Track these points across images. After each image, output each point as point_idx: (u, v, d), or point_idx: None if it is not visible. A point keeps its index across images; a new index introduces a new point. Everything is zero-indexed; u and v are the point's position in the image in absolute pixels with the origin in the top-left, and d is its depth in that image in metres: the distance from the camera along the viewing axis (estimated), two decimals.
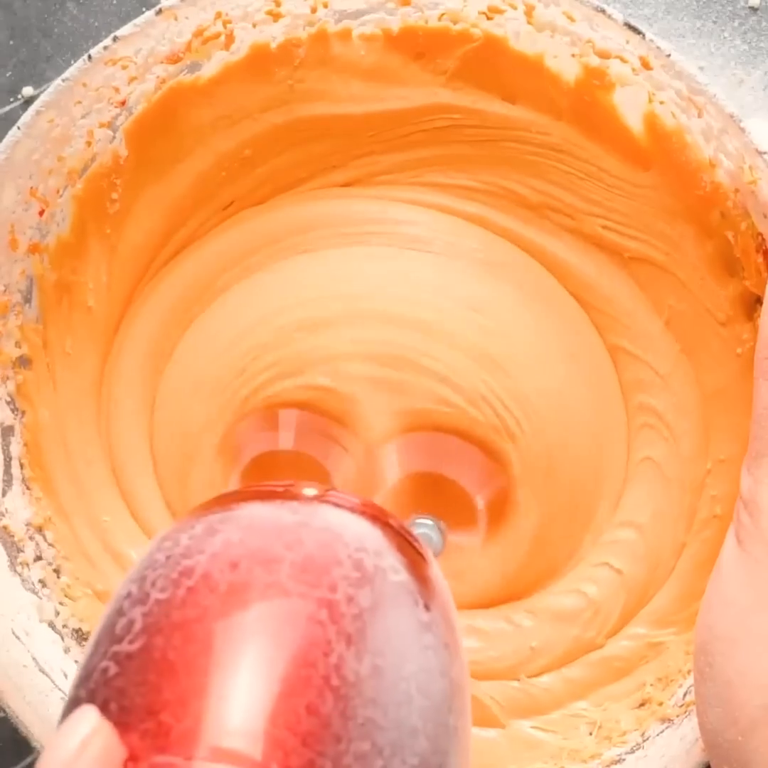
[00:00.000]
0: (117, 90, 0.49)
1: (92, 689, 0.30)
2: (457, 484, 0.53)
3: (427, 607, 0.34)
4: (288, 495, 0.36)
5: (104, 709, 0.29)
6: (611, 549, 0.55)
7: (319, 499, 0.36)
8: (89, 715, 0.29)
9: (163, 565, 0.32)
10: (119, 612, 0.32)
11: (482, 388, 0.52)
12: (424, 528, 0.50)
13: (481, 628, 0.55)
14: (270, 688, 0.29)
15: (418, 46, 0.51)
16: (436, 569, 0.37)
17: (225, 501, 0.36)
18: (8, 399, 0.52)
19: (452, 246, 0.54)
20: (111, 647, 0.31)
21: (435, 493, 0.53)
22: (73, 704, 0.31)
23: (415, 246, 0.54)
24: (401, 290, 0.53)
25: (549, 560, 0.55)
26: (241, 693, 0.29)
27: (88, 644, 0.32)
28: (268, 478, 0.54)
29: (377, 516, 0.36)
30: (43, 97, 0.47)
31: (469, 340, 0.52)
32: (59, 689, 0.49)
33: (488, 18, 0.49)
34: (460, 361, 0.52)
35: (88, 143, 0.50)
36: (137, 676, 0.30)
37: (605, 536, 0.55)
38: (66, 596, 0.53)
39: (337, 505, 0.36)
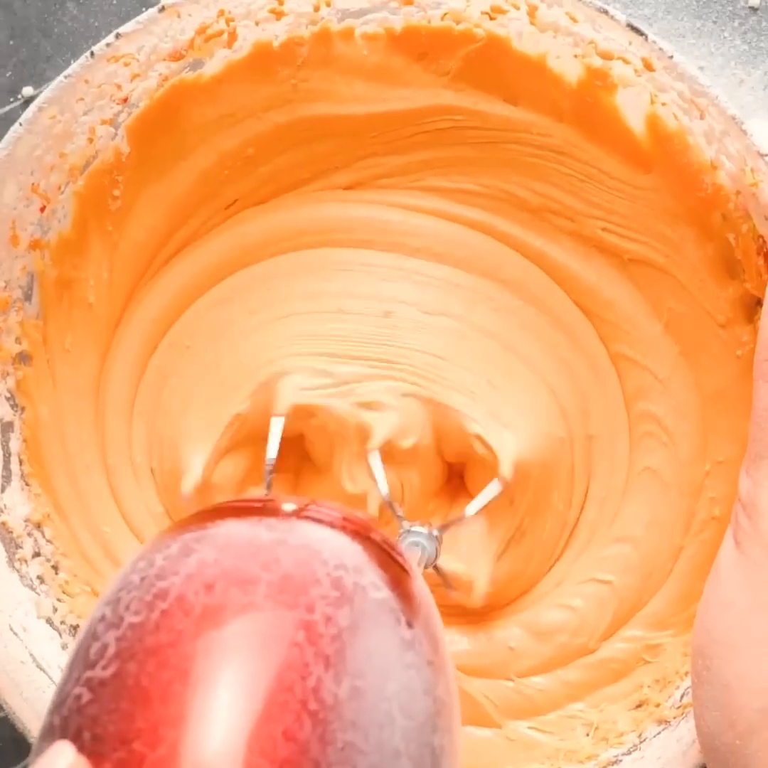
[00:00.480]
0: (119, 87, 0.49)
1: (65, 716, 0.30)
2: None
3: (409, 625, 0.33)
4: (265, 511, 0.35)
5: (77, 737, 0.29)
6: (601, 565, 0.55)
7: (297, 514, 0.35)
8: (66, 753, 0.28)
9: (137, 587, 0.32)
10: (93, 636, 0.31)
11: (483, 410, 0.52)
12: (417, 536, 0.49)
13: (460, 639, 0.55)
14: (246, 715, 0.28)
15: (421, 46, 0.51)
16: (420, 583, 0.36)
17: (201, 518, 0.35)
18: (8, 395, 0.52)
19: (460, 260, 0.55)
20: (84, 672, 0.30)
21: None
22: (47, 733, 0.30)
23: (420, 256, 0.55)
24: (407, 305, 0.54)
25: (528, 564, 0.55)
26: (216, 720, 0.28)
27: (64, 668, 0.32)
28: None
29: (358, 531, 0.35)
30: (45, 94, 0.47)
31: (474, 366, 0.53)
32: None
33: (491, 18, 0.49)
34: (464, 382, 0.53)
35: (90, 140, 0.50)
36: (110, 704, 0.29)
37: (596, 553, 0.55)
38: (64, 593, 0.53)
39: (316, 520, 0.35)
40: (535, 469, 0.52)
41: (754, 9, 0.60)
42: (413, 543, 0.48)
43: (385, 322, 0.53)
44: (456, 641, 0.55)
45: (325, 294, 0.54)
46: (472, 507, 0.51)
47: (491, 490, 0.51)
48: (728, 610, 0.41)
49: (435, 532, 0.49)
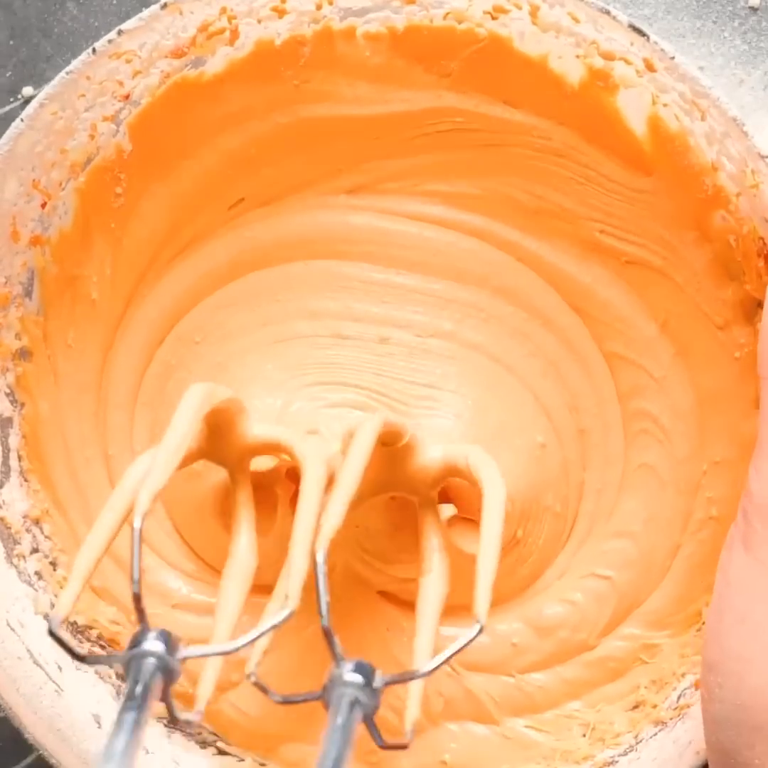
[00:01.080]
0: (121, 84, 0.49)
1: None
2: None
3: None
4: None
5: None
6: (601, 559, 0.55)
7: None
8: None
9: None
10: None
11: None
12: (352, 688, 0.36)
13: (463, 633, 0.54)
14: None
15: (423, 46, 0.51)
16: None
17: None
18: (7, 391, 0.52)
19: (456, 271, 0.55)
20: None
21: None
22: None
23: (418, 270, 0.55)
24: (402, 329, 0.55)
25: (528, 566, 0.55)
26: None
27: None
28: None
29: None
30: (46, 90, 0.48)
31: (460, 387, 0.54)
32: (53, 682, 0.49)
33: (493, 18, 0.49)
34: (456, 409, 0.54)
35: (92, 136, 0.50)
36: None
37: (596, 547, 0.55)
38: (62, 589, 0.52)
39: None
40: (520, 496, 0.52)
41: (754, 9, 0.61)
42: (342, 695, 0.37)
43: (381, 349, 0.55)
44: (459, 636, 0.54)
45: (326, 314, 0.55)
46: (428, 661, 0.40)
47: (462, 639, 0.39)
48: (742, 622, 0.39)
49: (377, 684, 0.37)
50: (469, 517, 0.53)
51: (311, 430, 0.53)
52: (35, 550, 0.52)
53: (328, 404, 0.54)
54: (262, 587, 0.54)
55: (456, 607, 0.53)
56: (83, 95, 0.48)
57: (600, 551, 0.55)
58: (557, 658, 0.54)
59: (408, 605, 0.54)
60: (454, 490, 0.52)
